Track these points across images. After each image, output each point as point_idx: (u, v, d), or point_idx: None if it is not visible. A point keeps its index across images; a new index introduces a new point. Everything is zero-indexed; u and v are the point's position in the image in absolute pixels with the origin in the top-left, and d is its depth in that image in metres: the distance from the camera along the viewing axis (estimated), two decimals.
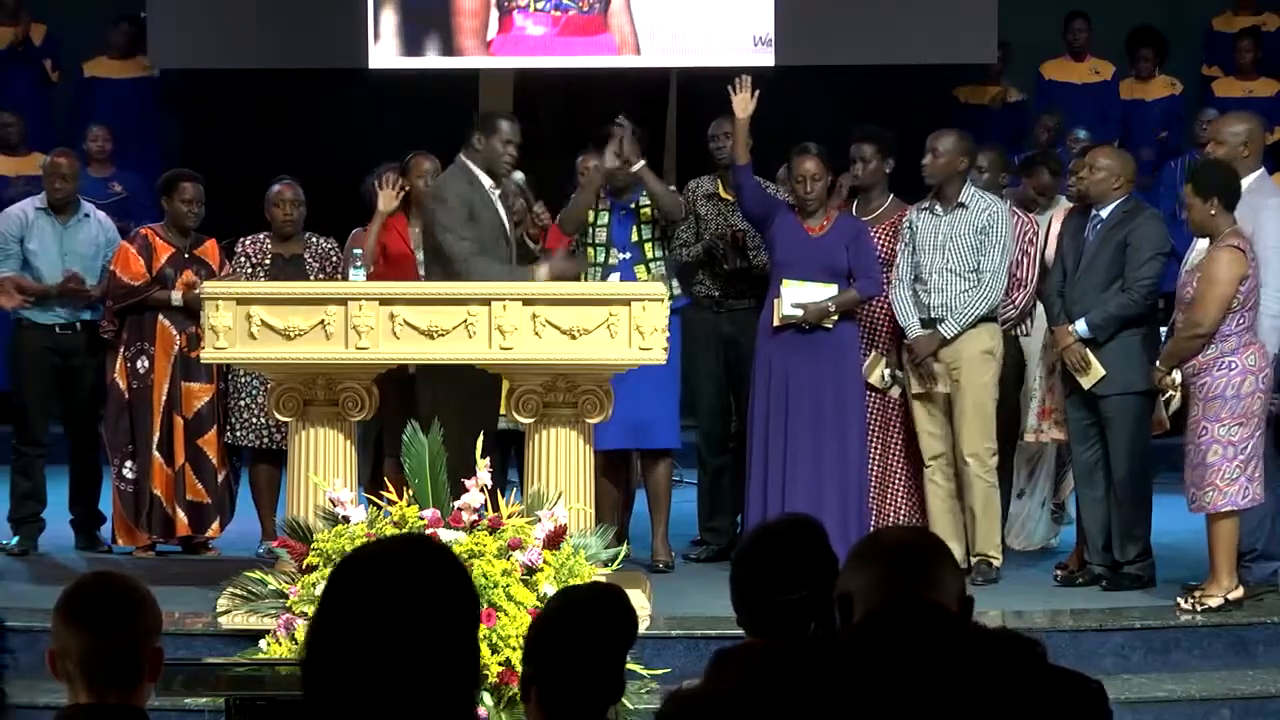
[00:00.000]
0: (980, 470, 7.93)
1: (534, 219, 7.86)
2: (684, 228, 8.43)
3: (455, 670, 2.51)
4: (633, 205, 8.24)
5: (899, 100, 11.18)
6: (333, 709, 2.48)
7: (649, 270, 8.18)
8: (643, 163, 8.20)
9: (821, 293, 7.95)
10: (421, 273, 8.01)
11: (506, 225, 7.72)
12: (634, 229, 8.24)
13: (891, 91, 11.50)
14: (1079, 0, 12.42)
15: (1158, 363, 7.39)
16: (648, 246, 8.24)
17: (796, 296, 7.94)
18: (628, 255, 8.21)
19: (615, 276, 8.04)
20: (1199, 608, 7.23)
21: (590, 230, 8.24)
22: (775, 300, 7.99)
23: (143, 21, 12.02)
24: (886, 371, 8.16)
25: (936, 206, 8.05)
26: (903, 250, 8.10)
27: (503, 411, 7.49)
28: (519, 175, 7.80)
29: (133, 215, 10.72)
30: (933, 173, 8.02)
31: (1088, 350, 7.64)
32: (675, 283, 8.20)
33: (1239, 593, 7.27)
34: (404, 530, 6.59)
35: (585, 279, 8.10)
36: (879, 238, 8.24)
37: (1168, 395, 7.35)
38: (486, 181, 7.60)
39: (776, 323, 7.97)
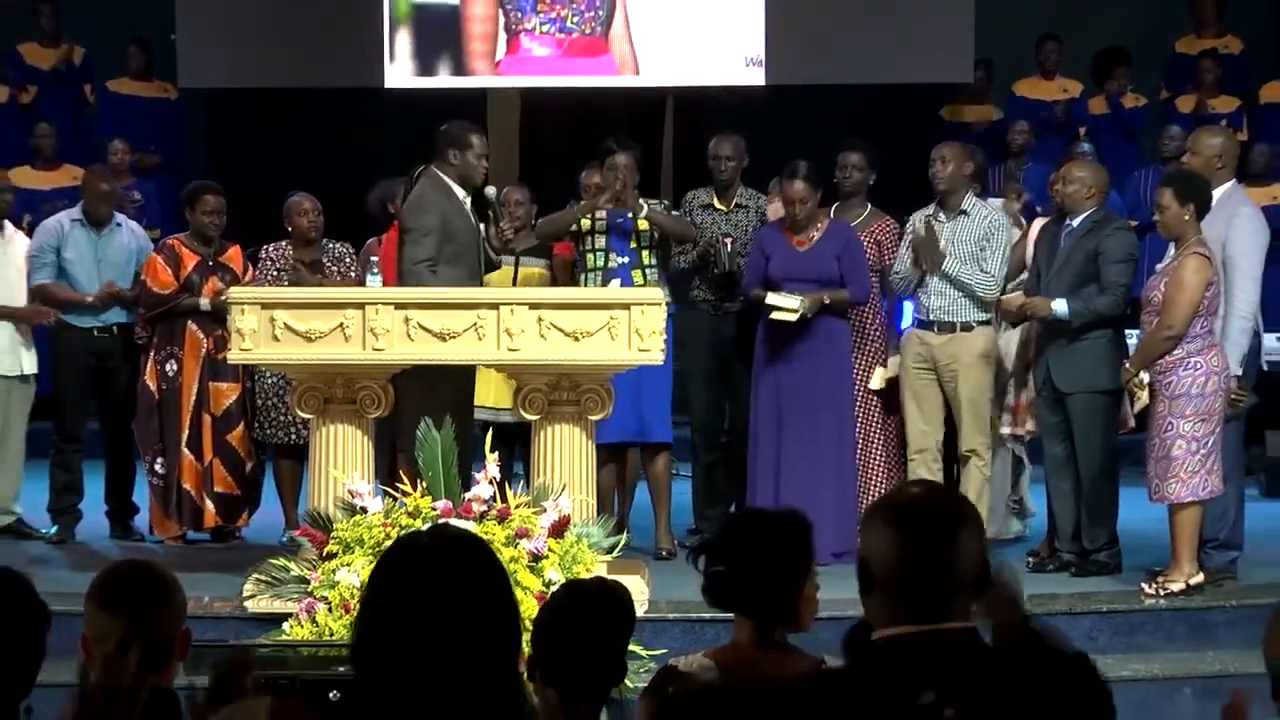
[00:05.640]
0: (978, 463, 8.12)
1: (499, 233, 8.05)
2: None
3: (499, 650, 2.58)
4: (631, 215, 8.37)
5: (884, 118, 11.26)
6: (385, 688, 2.53)
7: (644, 276, 8.31)
8: (646, 208, 8.29)
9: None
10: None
11: (479, 233, 7.84)
12: (631, 238, 8.36)
13: (876, 110, 11.59)
14: (1051, 23, 12.52)
15: (1127, 364, 7.48)
16: (644, 254, 8.35)
17: (782, 301, 8.04)
18: (625, 260, 8.34)
19: (617, 281, 8.13)
20: (1162, 592, 7.37)
21: (590, 237, 8.39)
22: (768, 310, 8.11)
23: (151, 42, 12.18)
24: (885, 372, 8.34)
25: (940, 214, 8.21)
26: (903, 254, 8.25)
27: (510, 407, 7.69)
28: (491, 190, 7.88)
29: (149, 218, 11.02)
30: (945, 179, 8.14)
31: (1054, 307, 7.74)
32: (665, 291, 8.25)
33: (1200, 578, 7.40)
34: (420, 520, 6.79)
35: (586, 283, 8.24)
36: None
37: (1137, 395, 7.41)
38: (460, 193, 7.71)
39: (775, 317, 8.06)
